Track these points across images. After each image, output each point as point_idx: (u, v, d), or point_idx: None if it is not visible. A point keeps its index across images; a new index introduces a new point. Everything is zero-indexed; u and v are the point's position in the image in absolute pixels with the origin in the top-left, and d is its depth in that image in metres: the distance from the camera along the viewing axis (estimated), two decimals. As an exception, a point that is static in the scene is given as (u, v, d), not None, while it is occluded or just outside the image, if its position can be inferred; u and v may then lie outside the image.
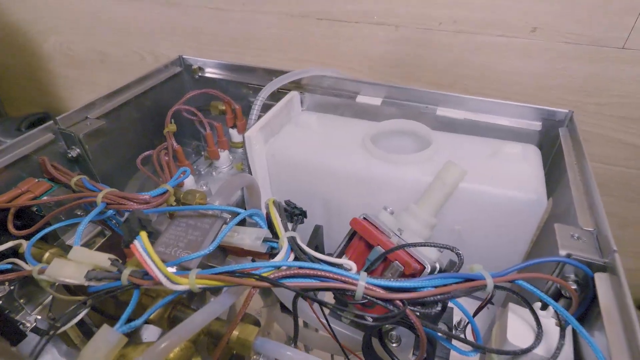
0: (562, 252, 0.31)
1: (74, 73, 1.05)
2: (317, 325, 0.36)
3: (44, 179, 0.39)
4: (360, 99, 0.52)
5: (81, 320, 0.35)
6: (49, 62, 1.06)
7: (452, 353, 0.41)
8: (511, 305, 0.32)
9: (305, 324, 0.42)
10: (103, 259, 0.27)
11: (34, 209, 0.38)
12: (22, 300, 0.36)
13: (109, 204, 0.33)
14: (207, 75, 0.60)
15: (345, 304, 0.31)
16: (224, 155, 0.52)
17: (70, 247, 0.29)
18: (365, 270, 0.31)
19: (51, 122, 0.41)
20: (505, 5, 0.60)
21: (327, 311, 0.34)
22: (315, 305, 0.36)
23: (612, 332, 0.25)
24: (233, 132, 0.54)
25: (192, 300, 0.34)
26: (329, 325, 0.34)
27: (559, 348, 0.28)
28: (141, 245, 0.25)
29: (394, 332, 0.37)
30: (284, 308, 0.42)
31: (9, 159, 0.38)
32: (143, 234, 0.25)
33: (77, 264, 0.28)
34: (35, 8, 0.97)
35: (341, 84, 0.54)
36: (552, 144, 0.49)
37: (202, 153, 0.60)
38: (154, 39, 0.89)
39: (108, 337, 0.24)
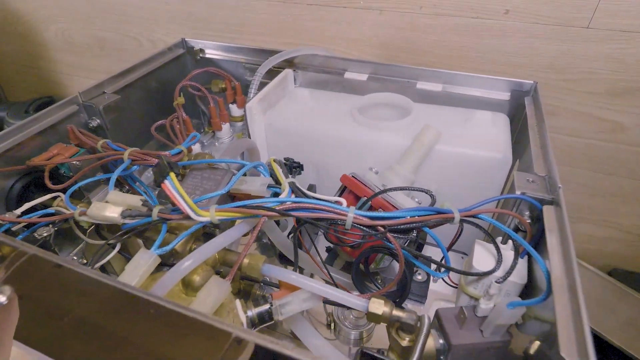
0: (518, 192, 0.37)
1: (74, 60, 1.09)
2: (315, 270, 0.42)
3: (71, 145, 0.44)
4: (348, 75, 0.58)
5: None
6: (49, 50, 1.09)
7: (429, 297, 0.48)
8: (477, 240, 0.38)
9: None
10: (136, 200, 0.33)
11: (62, 171, 0.43)
12: (55, 249, 0.42)
13: (134, 160, 0.38)
14: (207, 56, 0.65)
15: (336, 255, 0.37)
16: (226, 127, 0.58)
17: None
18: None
19: (75, 95, 0.46)
20: (480, -11, 0.66)
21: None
22: (312, 254, 0.42)
23: (551, 244, 0.31)
24: (232, 107, 0.60)
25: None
26: (325, 266, 0.39)
27: (512, 267, 0.34)
28: (171, 183, 0.30)
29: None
30: (282, 258, 0.47)
31: (40, 127, 0.43)
32: (172, 175, 0.30)
33: (113, 205, 0.33)
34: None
35: (330, 62, 0.59)
36: (519, 112, 0.55)
37: (202, 129, 0.65)
38: (151, 26, 0.93)
39: (145, 256, 0.29)
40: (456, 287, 0.44)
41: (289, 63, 0.61)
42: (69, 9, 0.99)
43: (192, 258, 0.30)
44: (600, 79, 0.68)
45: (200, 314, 0.22)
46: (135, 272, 0.29)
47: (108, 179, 0.37)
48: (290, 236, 0.41)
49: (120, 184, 0.43)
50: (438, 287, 0.49)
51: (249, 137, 0.52)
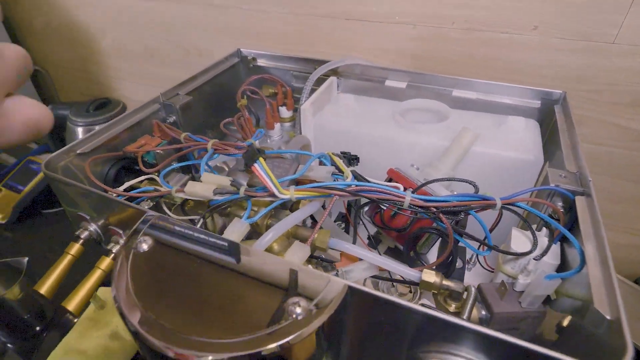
0: (552, 184, 0.42)
1: (124, 66, 1.18)
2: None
3: (155, 136, 0.51)
4: (389, 83, 0.64)
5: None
6: (102, 56, 1.19)
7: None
8: (514, 228, 0.43)
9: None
10: (225, 180, 0.39)
11: (145, 158, 0.50)
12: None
13: (216, 149, 0.44)
14: (258, 64, 0.72)
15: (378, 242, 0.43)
16: (277, 126, 0.64)
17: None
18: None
19: (158, 95, 0.54)
20: (511, 7, 0.71)
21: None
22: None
23: (585, 230, 0.36)
24: (282, 109, 0.66)
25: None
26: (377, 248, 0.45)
27: (548, 247, 0.39)
28: (260, 166, 0.36)
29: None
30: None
31: (131, 122, 0.50)
32: (262, 160, 0.36)
33: (205, 184, 0.39)
34: (94, 8, 1.10)
35: (371, 71, 0.65)
36: (549, 119, 0.60)
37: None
38: (197, 36, 1.02)
39: (238, 224, 0.36)
40: (491, 271, 0.49)
41: (333, 71, 0.68)
42: (123, 20, 1.08)
43: (274, 230, 0.36)
44: (624, 90, 0.73)
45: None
46: (232, 236, 0.35)
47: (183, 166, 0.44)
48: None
49: (186, 170, 0.50)
50: (468, 278, 0.54)
51: (298, 134, 0.58)
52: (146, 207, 0.40)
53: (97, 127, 0.47)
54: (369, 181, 0.40)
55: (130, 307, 0.27)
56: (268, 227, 0.40)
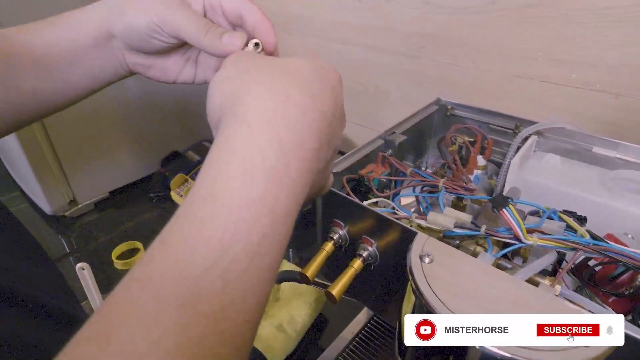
0: None
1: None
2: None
3: (380, 166, 0.60)
4: (597, 150, 0.65)
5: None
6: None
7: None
8: None
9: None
10: (466, 217, 0.45)
11: (365, 182, 0.59)
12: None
13: (446, 188, 0.51)
14: (455, 113, 0.79)
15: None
16: (475, 172, 0.69)
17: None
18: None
19: (382, 132, 0.63)
20: None
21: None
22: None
23: None
24: (479, 158, 0.71)
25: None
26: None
27: None
28: (509, 212, 0.42)
29: None
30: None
31: (363, 153, 0.60)
32: (511, 207, 0.42)
33: (446, 217, 0.46)
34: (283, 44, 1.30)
35: (577, 136, 0.67)
36: None
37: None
38: (375, 75, 1.13)
39: (487, 257, 0.41)
40: None
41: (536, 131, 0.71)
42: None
43: (527, 271, 0.41)
44: None
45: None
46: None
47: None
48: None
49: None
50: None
51: (502, 186, 0.62)
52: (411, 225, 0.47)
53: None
54: (606, 242, 0.42)
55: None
56: (498, 266, 0.45)
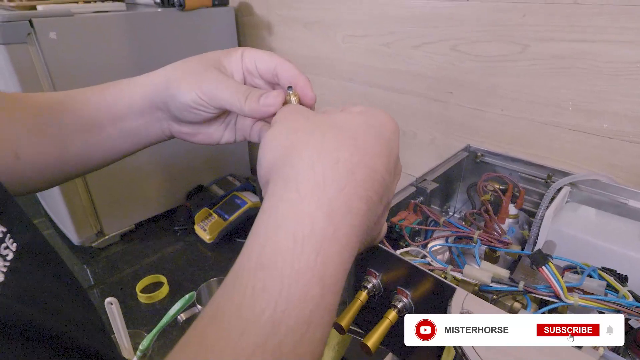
0: None
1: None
2: None
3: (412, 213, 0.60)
4: (633, 203, 0.64)
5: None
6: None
7: None
8: None
9: None
10: (504, 272, 0.45)
11: (397, 229, 0.59)
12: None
13: (482, 241, 0.51)
14: (485, 160, 0.79)
15: None
16: (507, 221, 0.69)
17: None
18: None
19: (414, 179, 0.64)
20: None
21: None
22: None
23: None
24: (511, 206, 0.71)
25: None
26: None
27: None
28: (550, 270, 0.41)
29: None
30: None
31: (395, 200, 0.60)
32: (551, 265, 0.41)
33: (483, 271, 0.45)
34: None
35: (612, 188, 0.66)
36: None
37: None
38: (402, 117, 1.15)
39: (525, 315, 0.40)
40: None
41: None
42: (340, 97, 1.29)
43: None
44: None
45: None
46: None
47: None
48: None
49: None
50: None
51: (535, 236, 0.62)
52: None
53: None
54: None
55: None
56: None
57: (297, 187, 0.26)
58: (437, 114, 1.08)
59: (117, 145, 0.44)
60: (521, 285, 0.43)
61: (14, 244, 0.35)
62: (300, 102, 0.39)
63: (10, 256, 0.33)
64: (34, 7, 1.02)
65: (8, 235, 0.34)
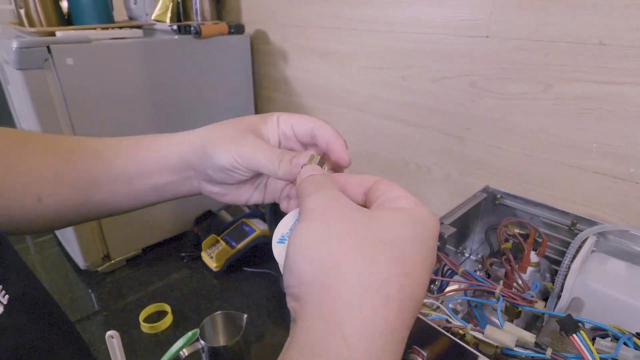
0: None
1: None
2: None
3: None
4: (664, 256, 0.60)
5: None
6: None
7: None
8: None
9: None
10: (529, 336, 0.41)
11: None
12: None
13: (504, 297, 0.47)
14: (504, 203, 0.76)
15: None
16: (529, 270, 0.65)
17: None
18: None
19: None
20: None
21: None
22: None
23: None
24: (532, 254, 0.67)
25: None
26: None
27: None
28: (581, 339, 0.37)
29: None
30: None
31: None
32: (583, 333, 0.38)
33: (506, 333, 0.42)
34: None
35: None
36: None
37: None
38: (416, 151, 1.13)
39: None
40: None
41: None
42: (354, 128, 1.27)
43: None
44: None
45: None
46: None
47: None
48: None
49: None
50: None
51: (560, 288, 0.58)
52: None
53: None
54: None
55: None
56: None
57: (344, 335, 0.23)
58: (453, 150, 1.05)
59: (143, 198, 0.44)
60: (549, 353, 0.39)
61: (6, 296, 0.33)
62: (332, 166, 0.38)
63: (0, 310, 0.31)
64: (53, 33, 1.03)
65: (0, 286, 0.33)
